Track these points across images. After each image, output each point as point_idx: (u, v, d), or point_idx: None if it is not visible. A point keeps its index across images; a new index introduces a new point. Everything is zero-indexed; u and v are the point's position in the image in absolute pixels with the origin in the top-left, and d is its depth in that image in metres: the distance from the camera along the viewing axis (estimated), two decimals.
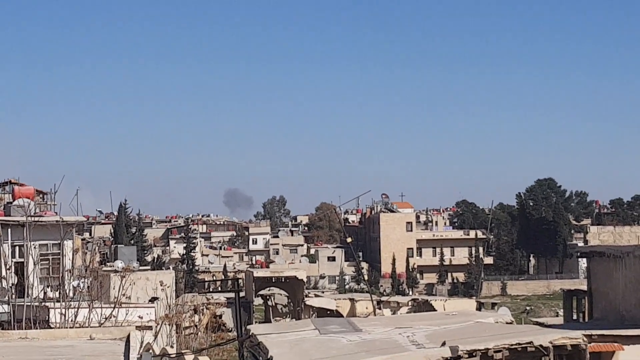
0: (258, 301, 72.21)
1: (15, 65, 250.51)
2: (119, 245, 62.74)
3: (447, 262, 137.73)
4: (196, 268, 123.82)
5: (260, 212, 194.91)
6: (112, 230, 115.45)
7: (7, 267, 31.47)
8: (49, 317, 26.73)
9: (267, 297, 70.94)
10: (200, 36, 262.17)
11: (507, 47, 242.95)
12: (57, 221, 32.62)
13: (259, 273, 68.70)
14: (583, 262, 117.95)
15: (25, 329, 23.45)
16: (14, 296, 28.80)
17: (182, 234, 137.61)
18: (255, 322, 60.91)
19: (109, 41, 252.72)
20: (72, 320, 25.51)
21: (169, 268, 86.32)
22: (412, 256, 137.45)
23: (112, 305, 27.39)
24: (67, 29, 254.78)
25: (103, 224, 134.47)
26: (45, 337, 19.87)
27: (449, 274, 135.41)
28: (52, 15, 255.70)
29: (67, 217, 34.54)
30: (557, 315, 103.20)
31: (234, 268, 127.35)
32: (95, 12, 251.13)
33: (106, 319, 26.14)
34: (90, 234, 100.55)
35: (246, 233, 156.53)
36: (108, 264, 49.85)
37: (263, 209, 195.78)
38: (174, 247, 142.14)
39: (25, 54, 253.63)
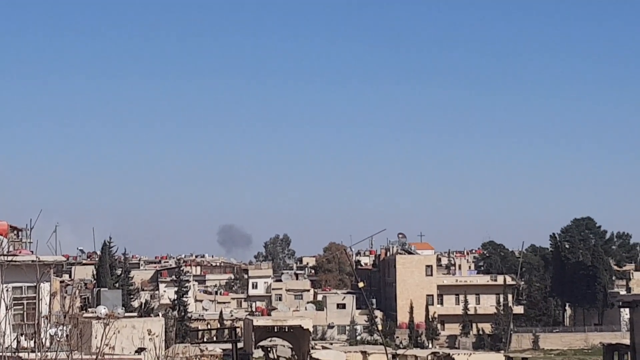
0: (258, 353, 71.98)
1: None
2: (102, 289, 62.70)
3: (471, 311, 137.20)
4: (189, 315, 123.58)
5: (261, 253, 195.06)
6: (95, 272, 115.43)
7: None
8: None
9: (269, 349, 70.75)
10: (193, 64, 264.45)
11: (539, 75, 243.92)
12: (32, 261, 32.59)
13: (259, 321, 68.53)
14: (626, 313, 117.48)
15: None
16: None
17: (173, 277, 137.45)
18: None
19: (93, 68, 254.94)
20: None
21: (158, 315, 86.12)
22: (432, 304, 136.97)
23: (94, 357, 27.29)
24: (48, 53, 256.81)
25: (84, 264, 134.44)
26: None
27: (474, 325, 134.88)
28: (32, 42, 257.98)
29: (45, 256, 34.54)
30: None
31: (231, 315, 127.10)
32: (79, 39, 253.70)
33: None
34: (70, 276, 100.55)
35: (245, 276, 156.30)
36: (90, 309, 49.79)
37: (264, 249, 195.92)
38: (164, 291, 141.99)
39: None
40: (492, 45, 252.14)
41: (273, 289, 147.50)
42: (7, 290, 32.34)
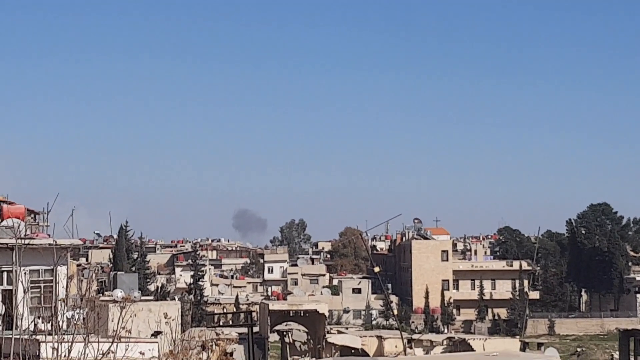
0: (274, 337, 72.08)
1: (6, 72, 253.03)
2: (118, 273, 62.77)
3: (487, 297, 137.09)
4: (205, 299, 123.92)
5: (277, 237, 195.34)
6: (111, 256, 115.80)
7: None
8: (39, 352, 26.77)
9: (284, 333, 70.82)
10: (212, 47, 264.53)
11: (554, 61, 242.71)
12: (50, 244, 32.66)
13: (275, 306, 68.55)
14: None
15: None
16: (1, 328, 28.87)
17: (189, 261, 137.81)
18: None
19: (111, 52, 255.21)
20: (65, 356, 25.50)
21: (174, 298, 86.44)
22: (448, 289, 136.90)
23: (111, 340, 27.37)
24: (68, 37, 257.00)
25: (101, 248, 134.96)
26: None
27: (490, 310, 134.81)
28: (50, 29, 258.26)
29: (62, 239, 34.60)
30: (612, 358, 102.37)
31: (247, 300, 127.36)
32: (97, 25, 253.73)
33: (103, 354, 26.11)
34: (86, 260, 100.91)
35: (261, 260, 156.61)
36: (106, 293, 49.95)
37: (280, 234, 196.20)
38: (180, 275, 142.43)
39: (17, 61, 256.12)
40: (511, 32, 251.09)
41: (289, 274, 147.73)
42: (24, 273, 32.53)
